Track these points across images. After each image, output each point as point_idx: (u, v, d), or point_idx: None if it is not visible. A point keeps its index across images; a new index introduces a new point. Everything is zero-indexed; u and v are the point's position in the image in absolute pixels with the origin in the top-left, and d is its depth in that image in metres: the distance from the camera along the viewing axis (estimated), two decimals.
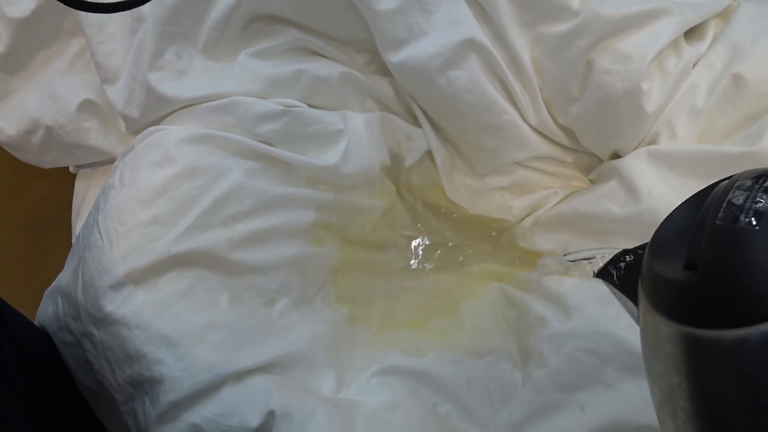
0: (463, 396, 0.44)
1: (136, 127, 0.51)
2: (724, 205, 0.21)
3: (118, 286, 0.42)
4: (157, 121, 0.50)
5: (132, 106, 0.50)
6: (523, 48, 0.48)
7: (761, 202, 0.21)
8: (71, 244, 0.66)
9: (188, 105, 0.48)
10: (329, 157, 0.47)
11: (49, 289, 0.51)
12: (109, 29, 0.51)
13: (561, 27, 0.46)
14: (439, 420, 0.43)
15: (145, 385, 0.41)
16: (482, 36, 0.47)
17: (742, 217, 0.20)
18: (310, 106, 0.49)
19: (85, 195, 0.59)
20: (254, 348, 0.42)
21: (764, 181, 0.22)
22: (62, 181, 0.69)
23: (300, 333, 0.44)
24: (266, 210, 0.45)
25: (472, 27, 0.47)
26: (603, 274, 0.33)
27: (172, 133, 0.45)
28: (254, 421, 0.39)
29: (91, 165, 0.60)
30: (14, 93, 0.55)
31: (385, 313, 0.50)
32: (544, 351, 0.45)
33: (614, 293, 0.32)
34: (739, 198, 0.21)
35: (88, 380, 0.45)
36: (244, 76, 0.47)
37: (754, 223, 0.20)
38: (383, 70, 0.51)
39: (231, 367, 0.40)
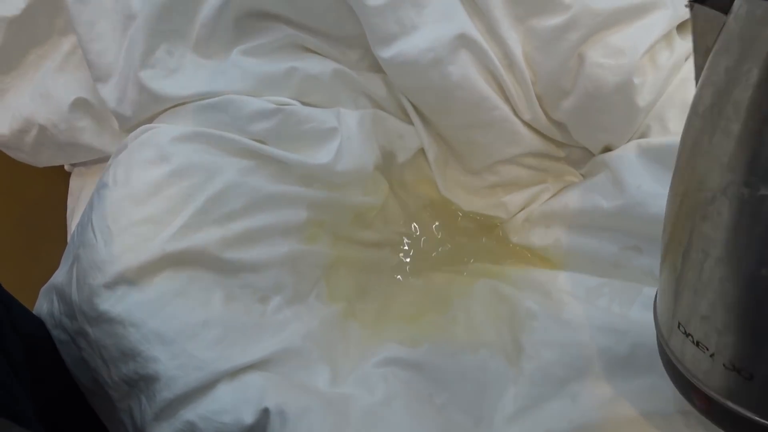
0: (458, 388, 0.44)
1: (129, 125, 0.51)
2: None
3: (112, 284, 0.42)
4: (150, 119, 0.50)
5: (125, 104, 0.50)
6: (515, 42, 0.48)
7: None
8: (67, 242, 0.66)
9: (181, 103, 0.48)
10: (322, 155, 0.47)
11: (44, 287, 0.51)
12: (99, 27, 0.51)
13: (553, 20, 0.46)
14: (435, 411, 0.43)
15: (140, 383, 0.41)
16: (474, 31, 0.47)
17: None
18: (304, 103, 0.49)
19: (80, 193, 0.59)
20: (249, 345, 0.42)
21: None
22: (58, 179, 0.69)
23: (293, 329, 0.44)
24: (260, 208, 0.45)
25: (463, 21, 0.47)
26: None
27: (165, 131, 0.45)
28: (249, 419, 0.39)
29: (85, 163, 0.60)
30: (6, 92, 0.55)
31: (378, 309, 0.50)
32: (536, 344, 0.46)
33: None
34: None
35: (85, 378, 0.46)
36: (237, 74, 0.47)
37: None
38: (376, 66, 0.51)
39: (226, 365, 0.40)
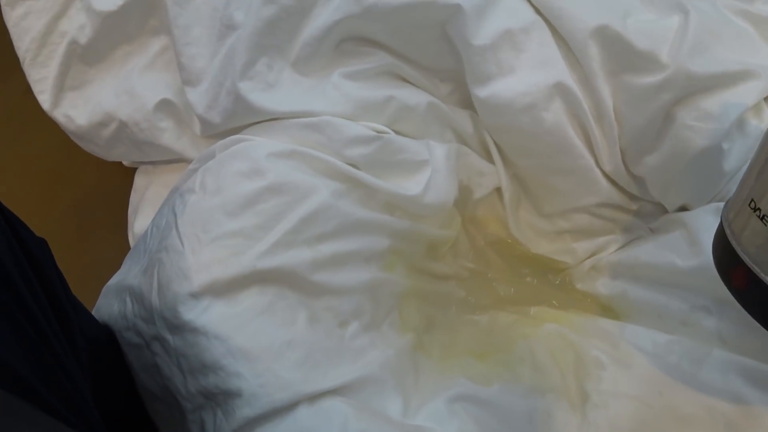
0: (526, 430, 0.45)
1: (214, 132, 0.51)
2: None
3: (198, 294, 0.42)
4: (237, 130, 0.50)
5: (214, 111, 0.50)
6: (608, 95, 0.48)
7: None
8: (117, 234, 0.66)
9: (275, 118, 0.48)
10: (412, 186, 0.47)
11: (111, 285, 0.50)
12: (195, 32, 0.51)
13: (648, 79, 0.47)
14: None
15: (218, 396, 0.41)
16: (570, 80, 0.48)
17: None
18: (395, 132, 0.49)
19: (145, 191, 0.59)
20: (330, 369, 0.42)
21: None
22: (112, 172, 0.69)
23: (372, 357, 0.44)
24: (348, 233, 0.45)
25: (561, 70, 0.48)
26: None
27: (261, 145, 0.45)
28: None
29: (152, 162, 0.60)
30: (89, 84, 0.55)
31: (444, 342, 0.50)
32: (603, 394, 0.46)
33: None
34: None
35: (152, 384, 0.45)
36: (337, 96, 0.47)
37: None
38: (465, 102, 0.52)
39: (309, 388, 0.40)
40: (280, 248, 0.43)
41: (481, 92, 0.48)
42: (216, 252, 0.43)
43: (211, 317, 0.41)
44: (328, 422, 0.40)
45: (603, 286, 0.53)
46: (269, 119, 0.48)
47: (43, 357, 0.33)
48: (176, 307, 0.42)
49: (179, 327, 0.42)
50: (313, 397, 0.41)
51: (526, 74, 0.48)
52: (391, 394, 0.44)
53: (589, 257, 0.54)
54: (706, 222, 0.48)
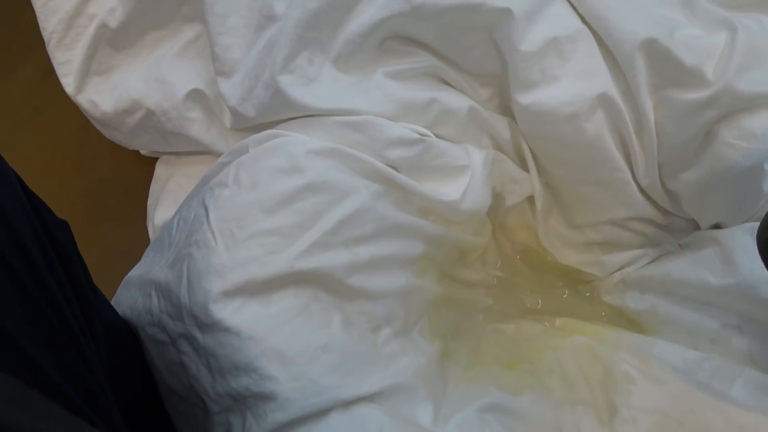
0: None
1: (245, 125, 0.50)
2: None
3: (232, 293, 0.40)
4: (271, 125, 0.49)
5: (249, 103, 0.48)
6: (650, 109, 0.48)
7: None
8: (131, 224, 0.64)
9: (313, 114, 0.47)
10: (450, 191, 0.46)
11: (133, 277, 0.49)
12: (231, 21, 0.49)
13: (692, 95, 0.47)
14: None
15: (249, 399, 0.40)
16: (614, 92, 0.47)
17: None
18: (433, 134, 0.48)
19: (166, 182, 0.57)
20: (364, 375, 0.41)
21: None
22: (127, 160, 0.68)
23: (404, 364, 0.43)
24: (386, 236, 0.44)
25: (605, 81, 0.47)
26: None
27: (300, 141, 0.44)
28: None
29: (176, 152, 0.58)
30: (116, 69, 0.53)
31: (471, 350, 0.50)
32: (632, 408, 0.46)
33: None
34: None
35: (176, 383, 0.44)
36: (380, 96, 0.46)
37: None
38: (503, 108, 0.51)
39: (343, 393, 0.39)
40: (317, 249, 0.42)
41: (524, 99, 0.47)
42: (252, 250, 0.41)
43: (245, 317, 0.40)
44: (363, 429, 0.39)
45: (631, 300, 0.52)
46: (306, 115, 0.47)
47: (66, 348, 0.32)
48: (207, 305, 0.41)
49: (210, 326, 0.41)
50: (347, 403, 0.40)
51: (570, 83, 0.47)
52: (423, 403, 0.43)
53: (617, 270, 0.54)
54: (741, 241, 0.47)
